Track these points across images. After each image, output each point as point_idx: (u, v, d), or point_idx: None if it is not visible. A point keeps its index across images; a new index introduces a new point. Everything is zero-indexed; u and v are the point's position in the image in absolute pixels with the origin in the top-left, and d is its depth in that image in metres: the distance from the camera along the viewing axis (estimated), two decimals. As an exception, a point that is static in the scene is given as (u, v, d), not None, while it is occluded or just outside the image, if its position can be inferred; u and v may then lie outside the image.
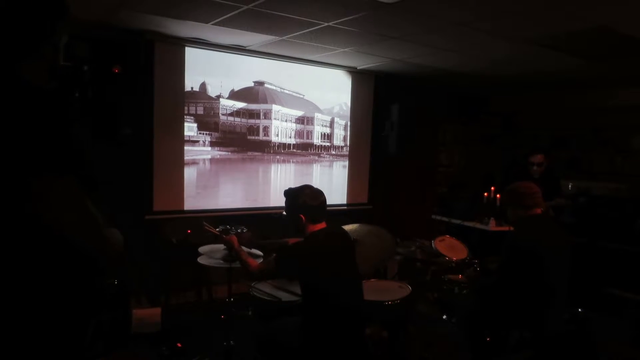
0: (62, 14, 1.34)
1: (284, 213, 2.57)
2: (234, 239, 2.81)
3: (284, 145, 5.19)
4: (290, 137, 5.23)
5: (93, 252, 1.31)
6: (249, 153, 4.96)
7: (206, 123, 4.66)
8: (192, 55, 4.47)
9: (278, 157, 5.17)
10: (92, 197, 1.30)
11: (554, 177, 4.70)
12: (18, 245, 1.21)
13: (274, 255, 2.50)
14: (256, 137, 5.00)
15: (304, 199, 2.44)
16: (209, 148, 4.70)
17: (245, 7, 3.24)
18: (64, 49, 1.41)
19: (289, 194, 2.53)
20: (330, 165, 5.59)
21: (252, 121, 4.94)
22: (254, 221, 4.23)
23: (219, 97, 4.70)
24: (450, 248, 4.00)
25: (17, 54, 1.26)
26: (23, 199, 1.17)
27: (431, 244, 3.98)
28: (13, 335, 1.22)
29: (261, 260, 2.92)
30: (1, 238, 1.19)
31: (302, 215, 2.44)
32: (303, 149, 5.33)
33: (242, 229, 4.01)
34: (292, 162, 5.28)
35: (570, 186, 5.61)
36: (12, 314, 1.22)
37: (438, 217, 5.45)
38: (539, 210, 2.90)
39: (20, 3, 1.25)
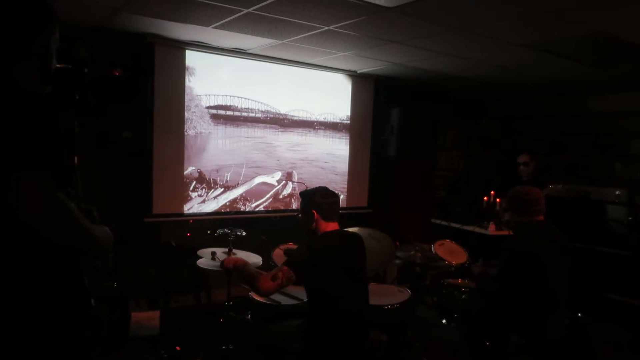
0: (49, 18, 1.36)
1: (299, 215, 2.62)
2: (229, 260, 2.70)
3: (283, 148, 5.18)
4: (289, 141, 5.23)
5: (71, 244, 1.32)
6: (248, 156, 4.95)
7: (204, 126, 4.65)
8: (192, 58, 4.48)
9: (277, 160, 5.16)
10: (67, 191, 1.31)
11: (540, 180, 4.69)
12: None
13: (285, 266, 2.38)
14: (255, 141, 4.99)
15: (316, 196, 2.54)
16: (208, 151, 4.70)
17: (246, 11, 3.25)
18: (58, 53, 1.43)
19: (304, 193, 2.62)
20: (330, 169, 5.58)
21: (250, 124, 4.94)
22: (253, 225, 4.23)
23: (217, 99, 4.70)
24: (450, 252, 3.99)
25: (5, 57, 1.28)
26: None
27: (431, 248, 3.98)
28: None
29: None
30: None
31: (314, 211, 2.51)
32: (302, 152, 5.33)
33: (241, 232, 4.01)
34: (291, 165, 5.27)
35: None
36: None
37: (438, 221, 5.45)
38: (540, 217, 2.89)
39: (5, 8, 1.28)
